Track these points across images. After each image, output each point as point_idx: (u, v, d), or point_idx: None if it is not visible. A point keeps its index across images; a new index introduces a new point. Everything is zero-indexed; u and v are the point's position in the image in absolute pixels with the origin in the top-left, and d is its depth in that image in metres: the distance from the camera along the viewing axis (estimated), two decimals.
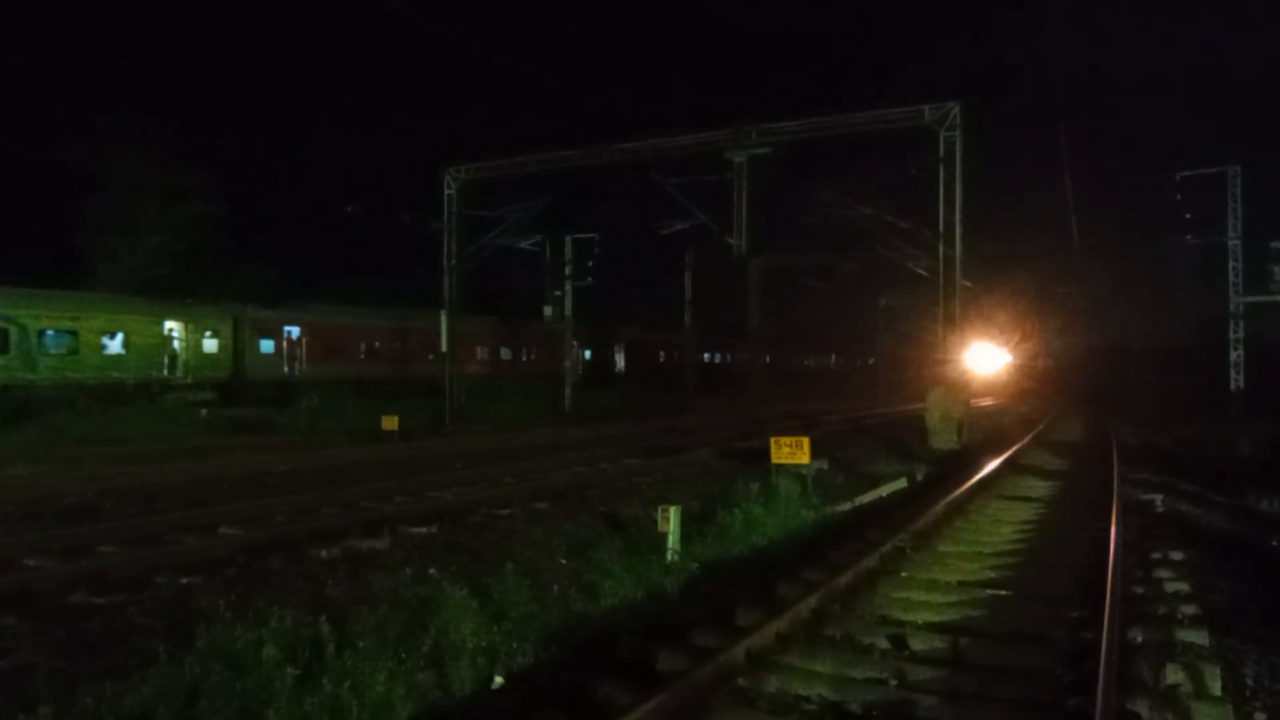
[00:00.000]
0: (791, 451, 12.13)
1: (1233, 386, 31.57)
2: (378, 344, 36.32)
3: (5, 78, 65.25)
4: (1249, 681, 5.73)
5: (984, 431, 24.05)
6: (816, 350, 75.01)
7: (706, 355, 54.28)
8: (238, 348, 30.38)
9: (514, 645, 6.04)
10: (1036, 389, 42.17)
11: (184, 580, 8.00)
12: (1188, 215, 31.32)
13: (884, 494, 13.80)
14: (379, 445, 20.15)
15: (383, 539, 9.72)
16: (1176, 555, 9.12)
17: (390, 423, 21.32)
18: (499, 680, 5.69)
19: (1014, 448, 18.44)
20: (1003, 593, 7.54)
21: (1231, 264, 31.23)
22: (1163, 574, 8.28)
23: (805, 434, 12.87)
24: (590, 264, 32.98)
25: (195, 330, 29.14)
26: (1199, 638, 6.32)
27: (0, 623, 6.64)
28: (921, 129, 22.54)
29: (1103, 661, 5.23)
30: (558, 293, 33.51)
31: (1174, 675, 5.49)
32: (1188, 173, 31.01)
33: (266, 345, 31.68)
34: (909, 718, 5.04)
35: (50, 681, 5.25)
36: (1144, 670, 5.58)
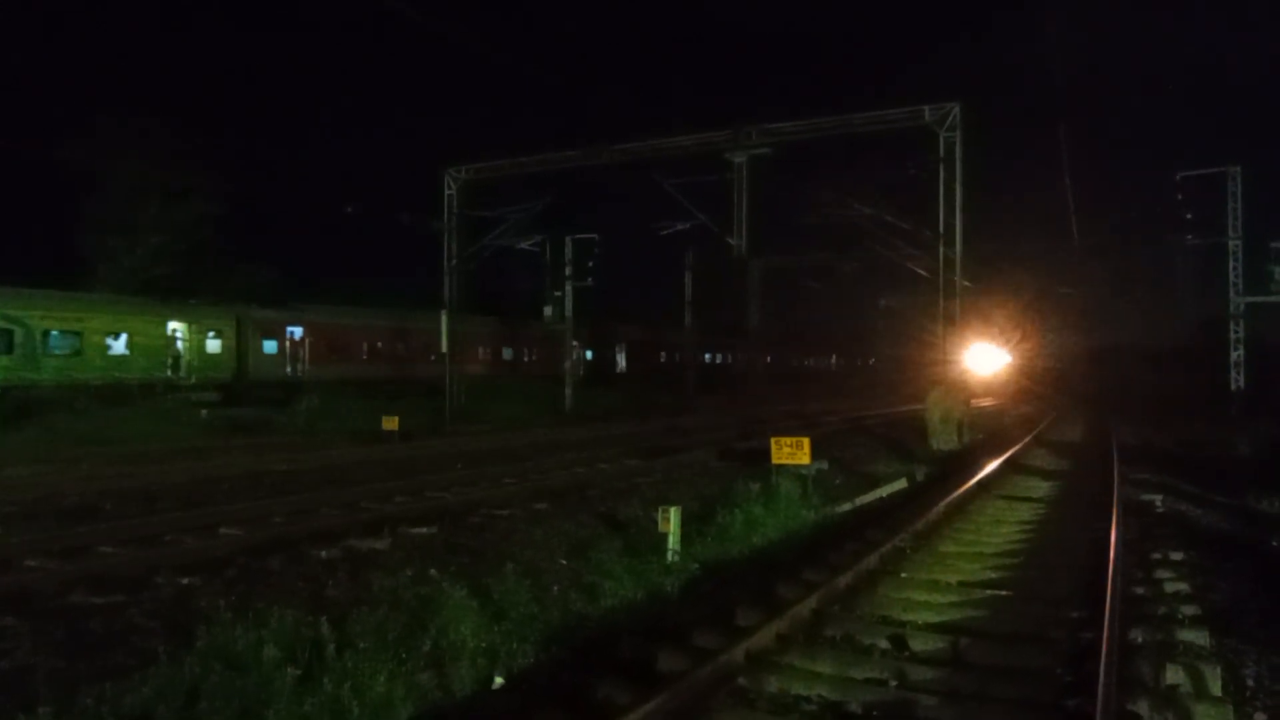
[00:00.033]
0: (792, 452, 12.13)
1: (1233, 387, 31.58)
2: (380, 344, 36.32)
3: (5, 78, 65.29)
4: (1249, 682, 5.73)
5: (984, 432, 24.05)
6: (817, 350, 75.00)
7: (707, 355, 54.28)
8: (241, 348, 30.40)
9: (514, 646, 6.04)
10: (1036, 389, 42.15)
11: (184, 580, 7.99)
12: (1188, 215, 31.33)
13: (884, 494, 13.80)
14: (379, 445, 20.15)
15: (383, 539, 9.72)
16: (1177, 555, 9.12)
17: (390, 423, 21.32)
18: (499, 680, 5.69)
19: (1014, 448, 18.44)
20: (1003, 593, 7.54)
21: (1231, 264, 31.24)
22: (1163, 574, 8.28)
23: (805, 434, 12.86)
24: (590, 264, 32.98)
25: (199, 331, 29.17)
26: (1199, 638, 6.31)
27: (0, 623, 6.64)
28: (921, 129, 22.55)
29: (1103, 662, 5.22)
30: (558, 293, 33.52)
31: (1174, 675, 5.49)
32: (1188, 173, 31.03)
33: (270, 346, 31.68)
34: (909, 718, 5.04)
35: (50, 682, 5.25)
36: (1144, 670, 5.57)
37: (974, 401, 25.40)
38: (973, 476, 13.59)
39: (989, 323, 30.40)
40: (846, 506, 12.36)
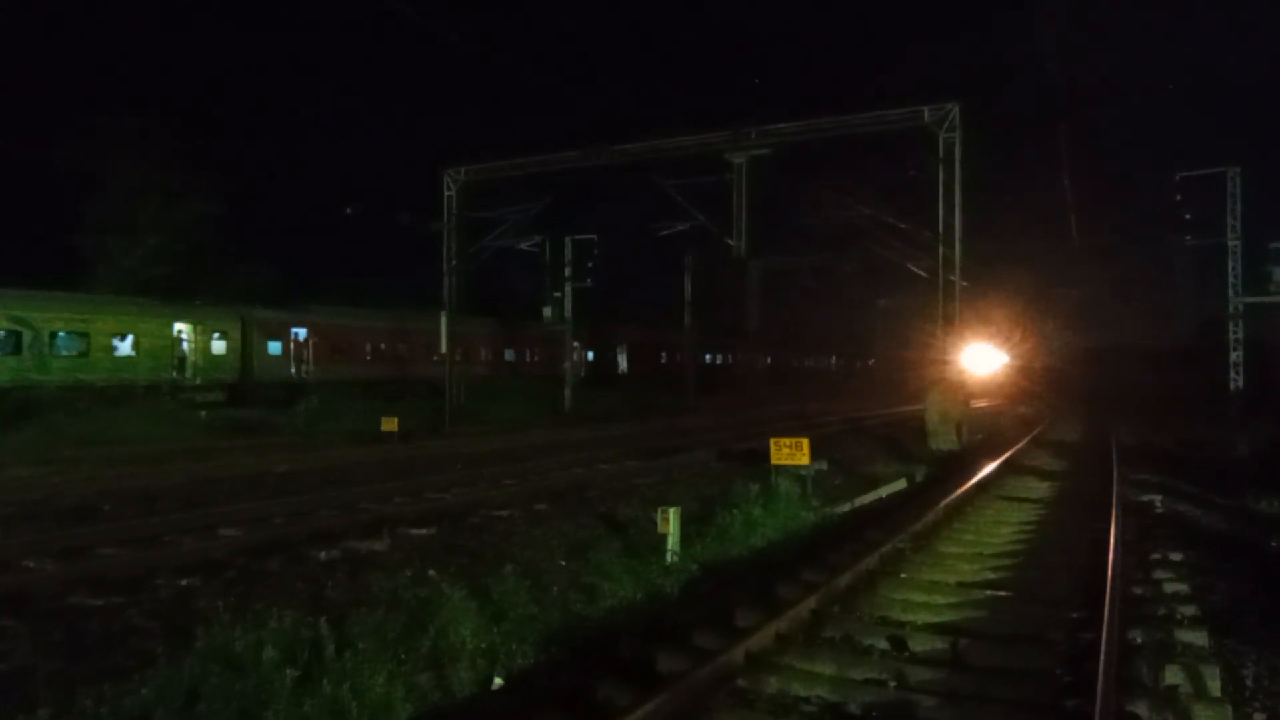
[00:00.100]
0: (791, 452, 12.13)
1: (1232, 387, 31.59)
2: (382, 345, 36.37)
3: (5, 78, 65.27)
4: (1248, 682, 5.73)
5: (983, 432, 24.07)
6: (816, 351, 75.00)
7: (708, 356, 54.30)
8: (246, 349, 30.44)
9: (513, 646, 6.04)
10: (1036, 390, 42.16)
11: (183, 582, 8.00)
12: (1187, 216, 31.35)
13: (883, 495, 13.81)
14: (378, 446, 20.15)
15: (382, 540, 9.72)
16: (1176, 556, 9.12)
17: (390, 424, 21.33)
18: (498, 681, 5.69)
19: (1013, 448, 18.45)
20: (1002, 594, 7.54)
21: (1231, 265, 31.25)
22: (1162, 575, 8.28)
23: (805, 435, 12.87)
24: (590, 265, 32.99)
25: (204, 332, 29.22)
26: (1198, 639, 6.32)
27: None
28: (921, 130, 22.56)
29: (1102, 662, 5.23)
30: (557, 294, 33.52)
31: (1173, 676, 5.49)
32: (1187, 173, 31.06)
33: (274, 347, 31.73)
34: (908, 718, 5.04)
35: (49, 683, 5.25)
36: (1143, 671, 5.58)
37: (973, 402, 25.41)
38: (972, 477, 13.59)
39: (988, 323, 30.40)
40: (846, 507, 12.37)
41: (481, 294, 37.07)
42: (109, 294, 30.38)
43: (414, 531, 10.34)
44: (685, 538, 8.98)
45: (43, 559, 8.83)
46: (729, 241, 26.04)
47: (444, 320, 29.58)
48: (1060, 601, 7.18)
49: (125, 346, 27.07)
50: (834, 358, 79.12)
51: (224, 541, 9.76)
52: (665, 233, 30.22)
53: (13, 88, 58.17)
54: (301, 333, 32.51)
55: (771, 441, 12.42)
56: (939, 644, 6.19)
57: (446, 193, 29.48)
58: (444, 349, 29.74)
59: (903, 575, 8.15)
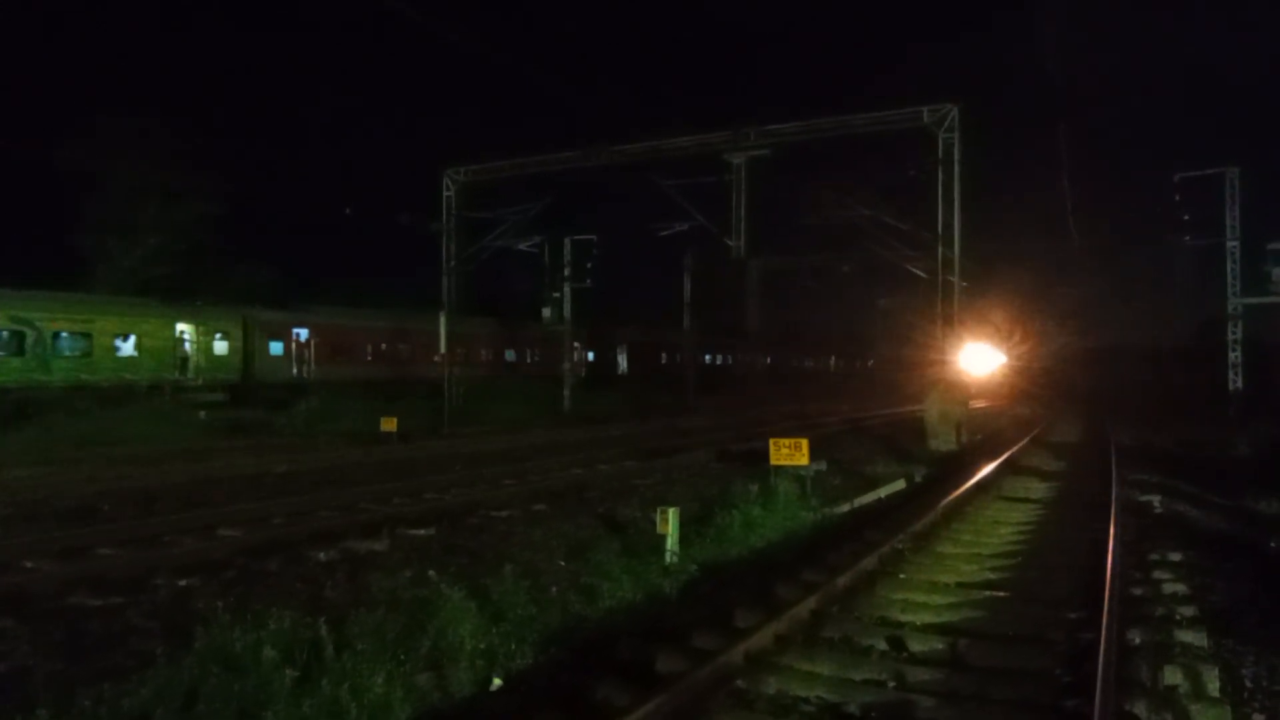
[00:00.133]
0: (790, 453, 12.13)
1: (1231, 387, 31.60)
2: (384, 346, 36.41)
3: (5, 78, 65.23)
4: (1247, 683, 5.73)
5: (982, 433, 24.07)
6: (816, 351, 75.02)
7: (708, 357, 54.32)
8: (248, 350, 30.48)
9: (512, 647, 6.04)
10: (1035, 390, 42.18)
11: (182, 582, 8.00)
12: (1186, 217, 31.34)
13: (883, 495, 13.80)
14: (377, 447, 20.15)
15: (381, 541, 9.72)
16: (1175, 556, 9.13)
17: (389, 424, 21.33)
18: (498, 682, 5.69)
19: (1012, 449, 18.45)
20: (1001, 594, 7.54)
21: (1230, 265, 31.25)
22: (1161, 575, 8.29)
23: (804, 435, 12.87)
24: (589, 265, 32.99)
25: (206, 333, 29.25)
26: (1197, 639, 6.32)
27: None
28: (920, 130, 22.56)
29: (1101, 663, 5.23)
30: (556, 294, 33.52)
31: (1172, 676, 5.50)
32: (1186, 174, 31.05)
33: (276, 347, 31.76)
34: (908, 719, 5.04)
35: (48, 683, 5.25)
36: (1142, 671, 5.58)
37: (972, 403, 25.42)
38: (971, 477, 13.59)
39: (987, 323, 30.41)
40: (845, 507, 12.36)
41: (481, 294, 37.10)
42: (112, 294, 30.41)
43: (413, 532, 10.34)
44: (685, 538, 8.98)
45: (42, 559, 8.84)
46: (728, 242, 26.03)
47: (442, 321, 29.59)
48: (1059, 602, 7.19)
49: (128, 347, 27.11)
50: (834, 358, 79.14)
51: (223, 542, 9.76)
52: (665, 233, 30.23)
53: (13, 88, 58.20)
54: (303, 333, 32.53)
55: (771, 442, 12.42)
56: (938, 644, 6.19)
57: (446, 193, 29.47)
58: (442, 349, 29.75)
59: (902, 576, 8.15)
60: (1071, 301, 47.26)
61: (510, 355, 42.89)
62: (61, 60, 67.12)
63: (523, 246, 31.38)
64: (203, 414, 26.11)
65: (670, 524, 8.72)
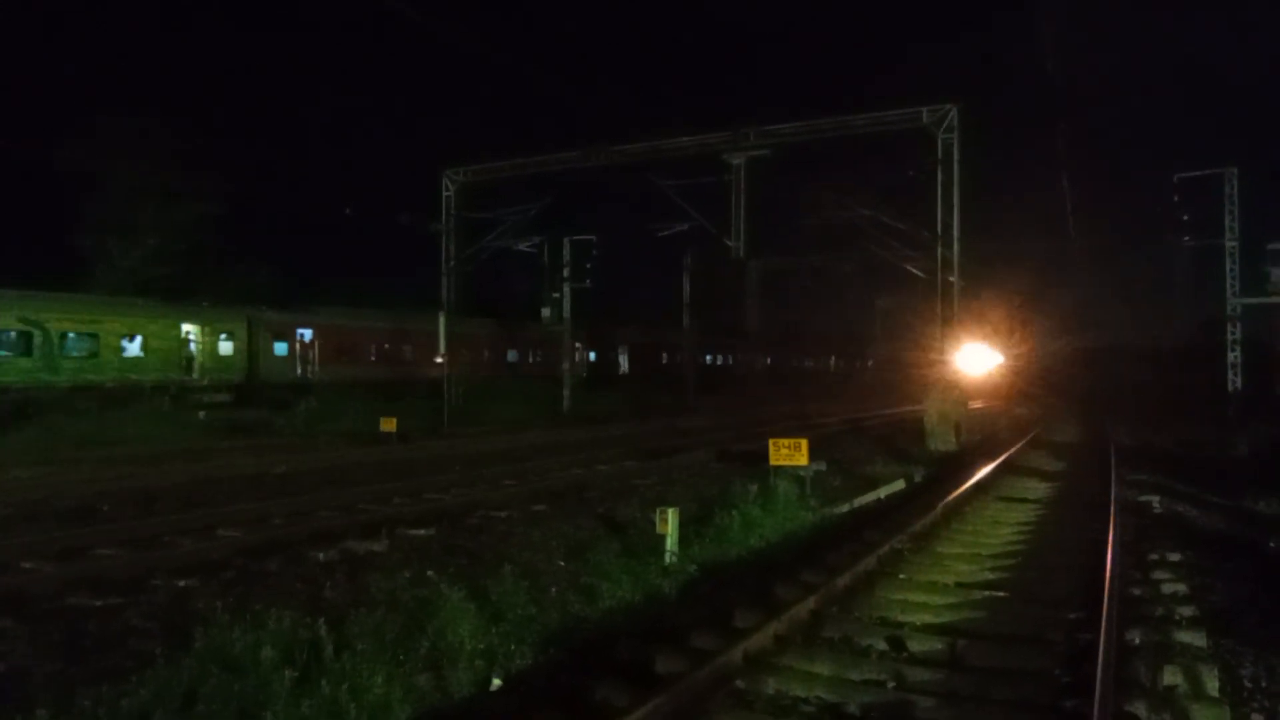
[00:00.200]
0: (790, 453, 12.14)
1: (1230, 388, 31.61)
2: (387, 346, 36.47)
3: (5, 78, 65.22)
4: (1247, 683, 5.74)
5: (981, 433, 24.08)
6: (815, 352, 75.02)
7: (709, 357, 54.32)
8: (252, 350, 30.53)
9: (512, 647, 6.04)
10: (1034, 390, 42.18)
11: (181, 583, 7.99)
12: (1185, 217, 31.35)
13: (882, 495, 13.81)
14: (377, 447, 20.15)
15: (380, 541, 9.71)
16: (1174, 556, 9.13)
17: (388, 424, 21.33)
18: (497, 682, 5.70)
19: (1012, 449, 18.46)
20: (1000, 594, 7.54)
21: (1229, 266, 31.26)
22: (1160, 575, 8.29)
23: (804, 435, 12.87)
24: (589, 265, 32.99)
25: (211, 333, 29.32)
26: (1197, 639, 6.32)
27: None
28: (920, 130, 22.57)
29: (1100, 663, 5.23)
30: (556, 294, 33.52)
31: (1172, 677, 5.50)
32: (1185, 174, 31.07)
33: (280, 348, 31.80)
34: (907, 719, 5.04)
35: (48, 684, 5.25)
36: (1142, 672, 5.58)
37: (971, 403, 25.43)
38: (970, 478, 13.60)
39: (986, 324, 30.42)
40: (844, 508, 12.37)
41: (481, 295, 37.14)
42: (119, 295, 30.46)
43: (413, 532, 10.34)
44: (684, 538, 8.99)
45: (41, 560, 8.83)
46: (728, 242, 26.07)
47: (442, 321, 29.60)
48: (1059, 602, 7.19)
49: (134, 347, 27.19)
50: (833, 358, 79.14)
51: (223, 542, 9.75)
52: (665, 233, 30.25)
53: (13, 88, 58.17)
54: (307, 334, 32.58)
55: (770, 442, 12.43)
56: (938, 645, 6.19)
57: (446, 193, 29.50)
58: (442, 349, 29.77)
59: (901, 576, 8.15)
60: (1071, 301, 47.33)
61: (512, 355, 42.91)
62: (61, 60, 67.12)
63: (522, 247, 31.40)
64: (202, 414, 26.13)
65: (670, 524, 8.72)
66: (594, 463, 17.17)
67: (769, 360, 57.94)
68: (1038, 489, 14.05)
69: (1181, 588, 7.83)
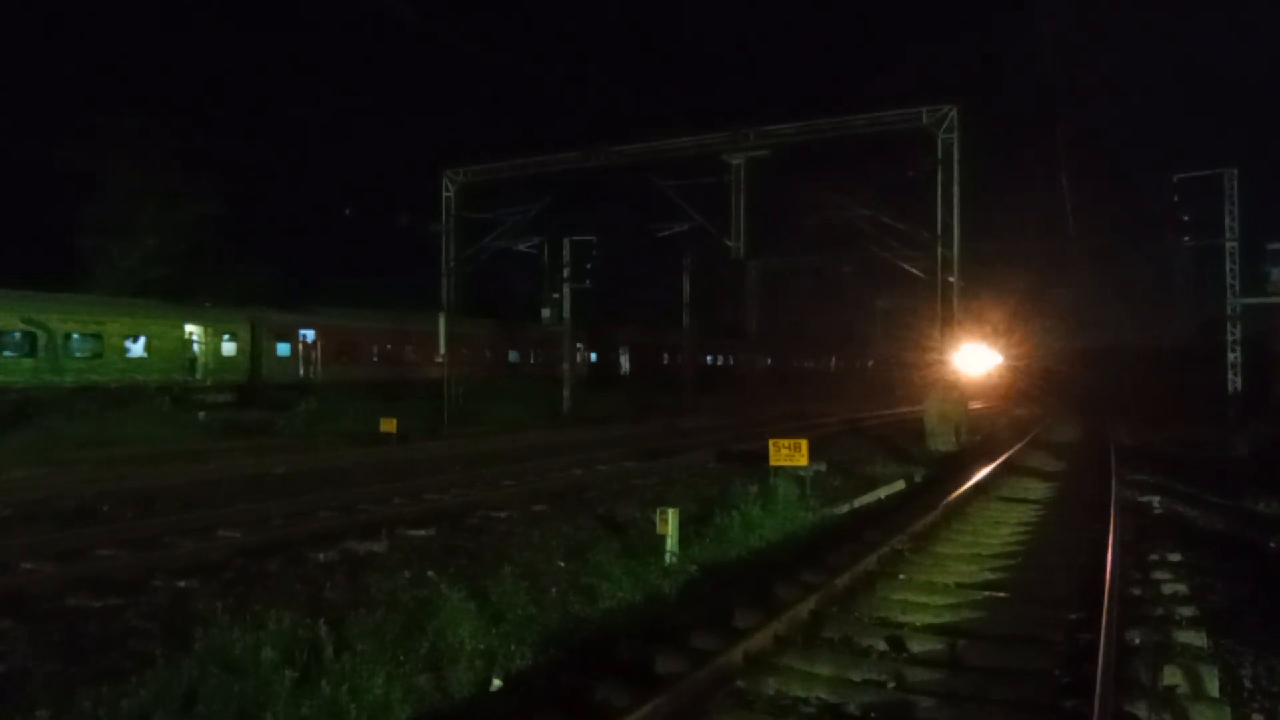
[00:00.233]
0: (790, 453, 12.13)
1: (1230, 388, 31.60)
2: (388, 347, 36.51)
3: (5, 78, 65.20)
4: (1247, 683, 5.74)
5: (981, 433, 24.08)
6: (816, 352, 75.01)
7: (709, 357, 54.33)
8: (255, 351, 30.57)
9: (512, 648, 6.04)
10: (1034, 390, 42.19)
11: (181, 583, 7.99)
12: (1185, 217, 31.33)
13: (882, 496, 13.81)
14: (377, 448, 20.14)
15: (380, 541, 9.71)
16: (1174, 557, 9.13)
17: (388, 425, 21.33)
18: (497, 683, 5.70)
19: (1012, 449, 18.45)
20: (1000, 594, 7.54)
21: (1228, 266, 31.26)
22: (1160, 575, 8.29)
23: (804, 435, 12.87)
24: (588, 266, 33.00)
25: (214, 334, 29.36)
26: (1197, 639, 6.32)
27: None
28: (919, 131, 22.58)
29: (1100, 663, 5.23)
30: (556, 295, 33.53)
31: (1172, 677, 5.50)
32: (1185, 175, 31.05)
33: (283, 348, 31.83)
34: (907, 719, 5.04)
35: (47, 685, 5.25)
36: (1142, 672, 5.58)
37: (971, 403, 25.44)
38: (970, 478, 13.60)
39: (986, 324, 30.43)
40: (844, 508, 12.37)
41: (481, 295, 37.16)
42: (120, 296, 30.49)
43: (413, 532, 10.34)
44: (684, 539, 8.99)
45: (41, 560, 8.83)
46: (728, 242, 26.09)
47: (442, 321, 29.60)
48: (1059, 602, 7.19)
49: (137, 348, 27.24)
50: (833, 358, 79.15)
51: (222, 543, 9.75)
52: (664, 233, 30.26)
53: (13, 88, 58.14)
54: (309, 334, 32.61)
55: (770, 442, 12.42)
56: (937, 645, 6.19)
57: (445, 194, 29.51)
58: (442, 349, 29.78)
59: (901, 576, 8.15)
60: (1070, 302, 47.32)
61: (512, 356, 42.91)
62: (61, 60, 67.07)
63: (522, 247, 31.42)
64: (202, 415, 26.14)
65: (670, 524, 8.72)
66: (594, 463, 17.17)
67: (769, 360, 57.94)
68: (1038, 489, 14.05)
69: (1181, 588, 7.83)
